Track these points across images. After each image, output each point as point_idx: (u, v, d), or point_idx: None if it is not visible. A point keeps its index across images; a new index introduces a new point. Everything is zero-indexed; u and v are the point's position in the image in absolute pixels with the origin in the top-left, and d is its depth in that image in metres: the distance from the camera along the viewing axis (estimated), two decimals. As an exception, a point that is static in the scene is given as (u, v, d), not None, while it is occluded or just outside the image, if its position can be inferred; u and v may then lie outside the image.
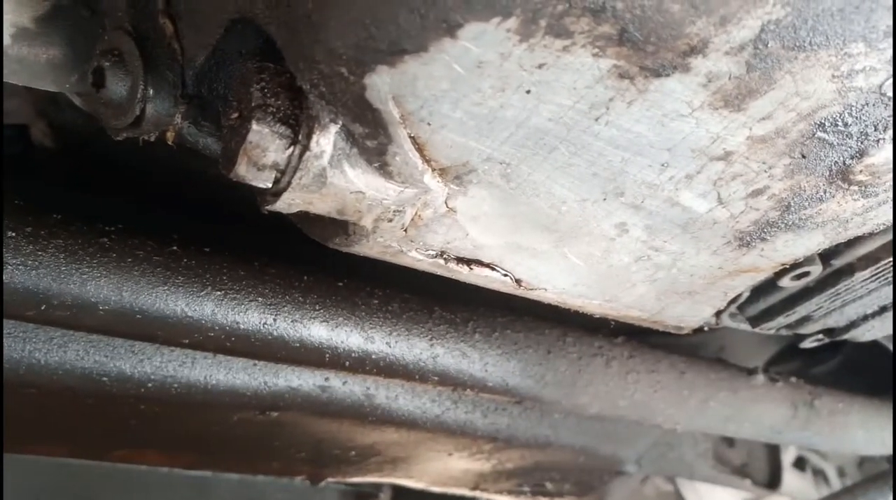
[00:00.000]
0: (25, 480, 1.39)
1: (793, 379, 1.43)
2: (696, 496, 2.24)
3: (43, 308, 0.79)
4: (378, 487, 1.74)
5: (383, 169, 0.60)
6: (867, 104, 0.60)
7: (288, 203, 0.61)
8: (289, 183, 0.59)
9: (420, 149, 0.59)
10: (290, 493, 1.73)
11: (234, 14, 0.60)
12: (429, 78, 0.52)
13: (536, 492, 1.61)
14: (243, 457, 1.28)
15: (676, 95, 0.57)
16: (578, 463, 1.50)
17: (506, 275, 0.76)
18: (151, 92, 0.63)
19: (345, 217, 0.64)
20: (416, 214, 0.66)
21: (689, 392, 1.25)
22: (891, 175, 0.67)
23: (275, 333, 0.91)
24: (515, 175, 0.63)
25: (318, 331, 0.93)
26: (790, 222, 0.72)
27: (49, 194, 0.94)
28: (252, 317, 0.89)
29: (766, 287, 0.88)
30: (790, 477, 2.15)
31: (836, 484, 2.40)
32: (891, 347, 1.53)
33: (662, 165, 0.63)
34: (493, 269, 0.75)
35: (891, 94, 0.59)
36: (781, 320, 0.94)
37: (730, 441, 1.99)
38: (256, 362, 1.05)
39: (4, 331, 0.90)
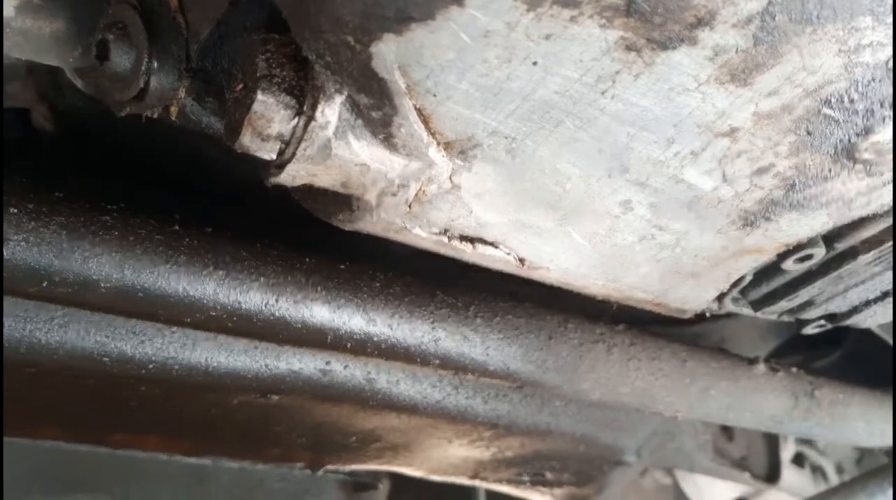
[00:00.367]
0: (22, 466, 1.38)
1: (794, 370, 1.43)
2: (695, 490, 2.24)
3: (45, 285, 0.79)
4: (376, 477, 1.74)
5: (388, 141, 0.60)
6: (873, 80, 0.60)
7: (292, 175, 0.61)
8: (293, 154, 0.59)
9: (425, 121, 0.59)
10: (288, 483, 1.73)
11: (240, -14, 0.60)
12: (435, 47, 0.52)
13: (536, 482, 1.61)
14: (243, 443, 1.28)
15: (683, 69, 0.57)
16: (578, 452, 1.50)
17: (509, 254, 0.76)
18: (156, 65, 0.63)
19: (349, 191, 0.64)
20: (420, 189, 0.66)
21: (690, 380, 1.24)
22: (896, 154, 0.67)
23: (277, 313, 0.91)
24: (520, 150, 0.63)
25: (321, 312, 0.93)
26: (794, 202, 0.72)
27: (51, 176, 0.93)
28: (254, 297, 0.89)
29: (770, 270, 0.88)
30: (789, 473, 2.15)
31: (834, 481, 2.40)
32: (889, 339, 1.53)
33: (668, 140, 0.63)
34: (496, 247, 0.75)
35: (898, 69, 0.59)
36: (784, 305, 0.94)
37: (729, 435, 1.99)
38: (258, 344, 1.05)
39: (5, 310, 0.90)
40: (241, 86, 0.59)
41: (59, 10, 0.67)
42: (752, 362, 1.35)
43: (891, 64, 0.59)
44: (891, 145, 0.66)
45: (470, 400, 1.26)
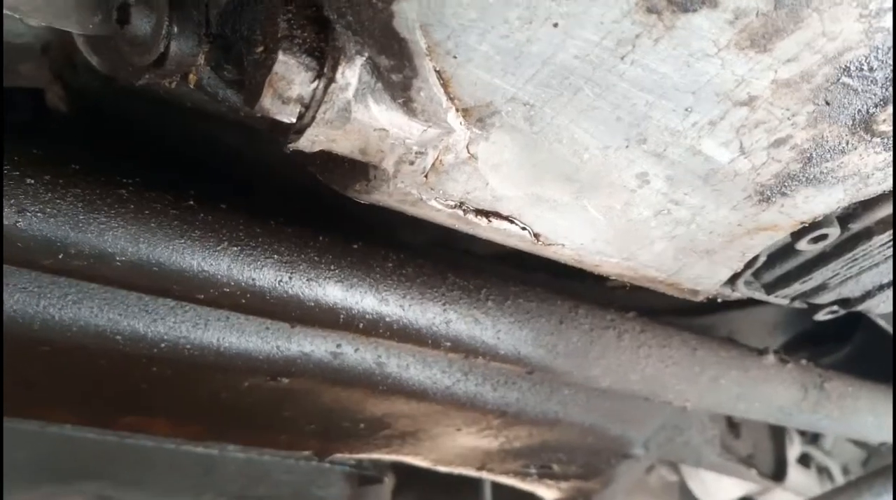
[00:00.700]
0: (27, 453, 1.38)
1: (803, 361, 1.43)
2: (701, 487, 2.23)
3: (60, 257, 0.79)
4: (382, 471, 1.73)
5: (407, 105, 0.60)
6: (893, 47, 0.60)
7: (311, 140, 0.61)
8: (313, 117, 0.59)
9: (445, 85, 0.59)
10: (295, 474, 1.73)
11: (262, -51, 0.60)
12: (458, 5, 0.52)
13: (543, 474, 1.60)
14: (252, 429, 1.28)
15: (703, 33, 0.57)
16: (586, 443, 1.49)
17: (524, 229, 0.76)
18: (176, 30, 0.63)
19: (367, 158, 0.64)
20: (437, 158, 0.66)
21: (700, 369, 1.24)
22: (914, 126, 0.67)
23: (290, 291, 0.91)
24: (538, 118, 0.63)
25: (333, 291, 0.93)
26: (811, 176, 0.72)
27: (65, 151, 0.94)
28: (268, 274, 0.89)
29: (783, 251, 0.88)
30: (794, 473, 2.14)
31: (840, 481, 2.39)
32: (891, 329, 1.52)
33: (686, 109, 0.63)
34: (511, 222, 0.75)
35: (918, 36, 0.59)
36: (797, 287, 0.93)
37: (736, 432, 1.99)
38: (269, 326, 1.05)
39: (19, 285, 0.90)
40: (261, 48, 0.59)
41: (81, -23, 0.67)
42: (761, 352, 1.35)
43: (911, 31, 0.59)
44: (909, 117, 0.66)
45: (479, 387, 1.26)
